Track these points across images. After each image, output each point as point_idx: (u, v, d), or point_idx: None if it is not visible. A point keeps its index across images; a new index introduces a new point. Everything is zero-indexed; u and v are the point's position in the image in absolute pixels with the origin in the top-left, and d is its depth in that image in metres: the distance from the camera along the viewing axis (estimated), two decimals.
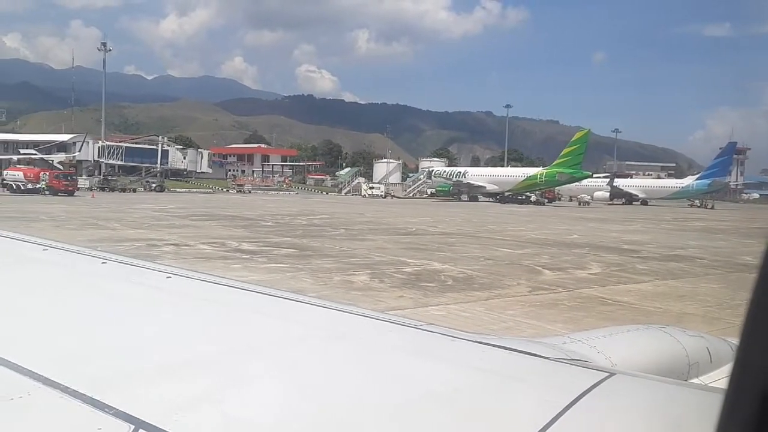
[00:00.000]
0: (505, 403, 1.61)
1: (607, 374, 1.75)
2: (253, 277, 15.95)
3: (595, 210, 79.22)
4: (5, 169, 74.09)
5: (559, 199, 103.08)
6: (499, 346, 2.02)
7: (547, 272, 19.91)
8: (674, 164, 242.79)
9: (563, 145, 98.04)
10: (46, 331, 2.06)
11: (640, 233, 39.28)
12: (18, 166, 72.79)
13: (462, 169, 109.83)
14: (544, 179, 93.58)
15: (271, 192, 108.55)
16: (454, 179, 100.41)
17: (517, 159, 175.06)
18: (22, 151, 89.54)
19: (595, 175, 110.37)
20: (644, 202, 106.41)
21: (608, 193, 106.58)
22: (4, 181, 70.76)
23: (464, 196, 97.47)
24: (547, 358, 1.95)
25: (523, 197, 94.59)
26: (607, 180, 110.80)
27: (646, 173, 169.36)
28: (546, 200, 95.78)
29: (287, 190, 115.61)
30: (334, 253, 23.01)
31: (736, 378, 0.80)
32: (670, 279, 19.73)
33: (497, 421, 1.51)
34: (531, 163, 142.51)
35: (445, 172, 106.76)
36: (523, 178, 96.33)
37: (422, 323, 2.31)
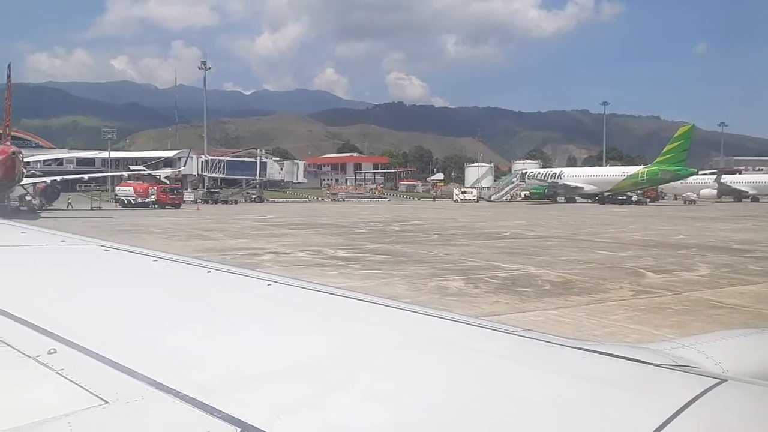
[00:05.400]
0: (609, 410, 1.56)
1: (717, 381, 1.66)
2: (349, 284, 16.19)
3: (701, 209, 75.19)
4: (117, 185, 79.16)
5: (663, 198, 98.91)
6: (601, 353, 1.96)
7: (652, 275, 19.07)
8: None
9: (665, 141, 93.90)
10: (158, 338, 2.18)
11: (752, 232, 36.89)
12: (128, 181, 77.63)
13: (557, 170, 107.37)
14: (645, 178, 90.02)
15: (363, 199, 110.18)
16: (549, 181, 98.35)
17: (616, 158, 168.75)
18: (131, 167, 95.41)
19: (701, 172, 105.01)
20: (755, 199, 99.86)
21: (715, 191, 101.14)
22: (116, 197, 75.55)
23: (560, 198, 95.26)
24: (653, 364, 1.87)
25: (624, 197, 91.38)
26: (714, 177, 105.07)
27: (756, 168, 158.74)
28: (648, 200, 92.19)
29: (379, 197, 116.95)
30: (428, 258, 23.00)
31: None
32: None
33: (602, 430, 1.46)
34: (631, 162, 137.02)
35: (539, 173, 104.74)
36: (623, 177, 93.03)
37: (519, 329, 2.27)
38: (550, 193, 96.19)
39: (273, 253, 24.78)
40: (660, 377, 1.81)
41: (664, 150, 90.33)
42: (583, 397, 1.64)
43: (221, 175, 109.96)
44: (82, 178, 77.69)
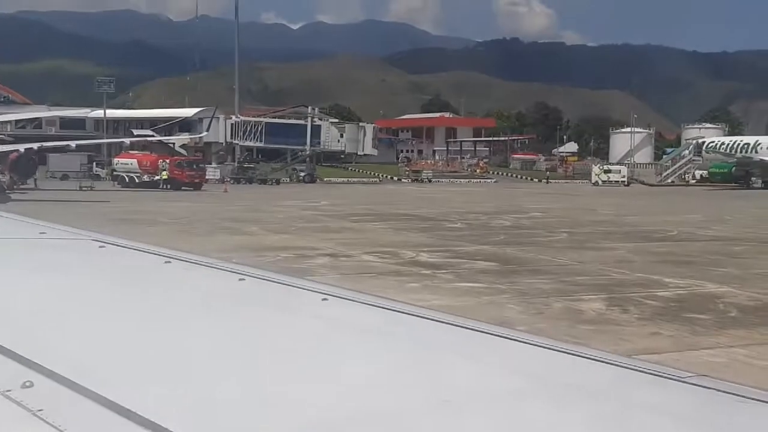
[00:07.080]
0: None
1: None
2: (438, 302, 16.27)
3: None
4: (115, 156, 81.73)
5: None
6: None
7: None
8: None
9: None
10: (174, 370, 2.25)
11: None
12: (131, 152, 79.86)
13: (752, 140, 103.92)
14: None
15: (459, 180, 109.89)
16: (738, 155, 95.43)
17: None
18: (135, 132, 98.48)
19: None
20: None
21: None
22: (114, 173, 78.09)
23: (756, 181, 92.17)
24: None
25: None
26: None
27: None
28: None
29: (482, 177, 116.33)
30: (552, 267, 22.81)
31: None
32: None
33: None
34: None
35: (723, 144, 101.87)
36: None
37: (691, 374, 2.23)
38: (740, 174, 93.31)
39: (329, 255, 25.13)
40: None
41: None
42: None
43: (258, 144, 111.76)
44: (68, 146, 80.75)
